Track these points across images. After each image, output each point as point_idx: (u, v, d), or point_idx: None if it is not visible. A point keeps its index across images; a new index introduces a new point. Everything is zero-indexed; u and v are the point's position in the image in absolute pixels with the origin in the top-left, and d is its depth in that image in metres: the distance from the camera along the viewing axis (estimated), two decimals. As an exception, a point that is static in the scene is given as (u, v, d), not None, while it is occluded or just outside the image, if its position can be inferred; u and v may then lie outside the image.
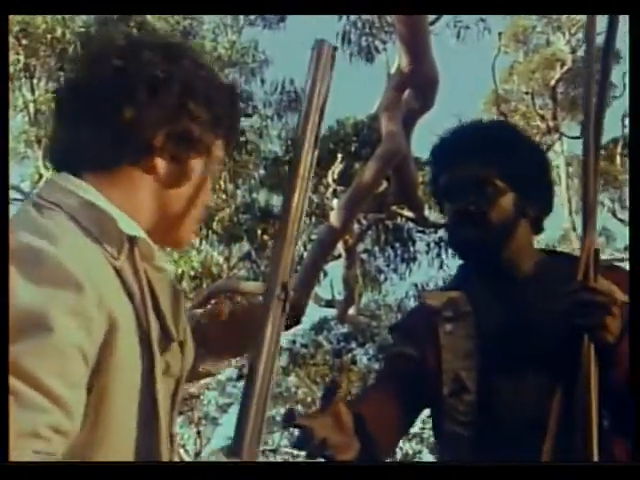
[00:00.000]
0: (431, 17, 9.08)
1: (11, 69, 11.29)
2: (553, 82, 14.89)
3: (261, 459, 1.21)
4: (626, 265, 1.80)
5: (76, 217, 1.16)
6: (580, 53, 15.36)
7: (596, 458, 1.51)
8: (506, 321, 1.77)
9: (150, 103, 1.21)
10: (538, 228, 1.89)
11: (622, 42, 1.72)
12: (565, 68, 15.02)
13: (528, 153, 1.84)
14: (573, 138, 16.63)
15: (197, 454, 17.26)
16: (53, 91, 1.35)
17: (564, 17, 15.06)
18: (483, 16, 11.64)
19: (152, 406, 1.17)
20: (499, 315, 1.79)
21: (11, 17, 10.50)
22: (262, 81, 12.24)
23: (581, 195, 1.64)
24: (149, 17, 11.77)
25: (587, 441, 1.51)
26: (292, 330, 9.51)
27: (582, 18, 15.43)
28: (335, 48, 1.32)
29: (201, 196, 1.32)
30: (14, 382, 1.00)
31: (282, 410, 21.62)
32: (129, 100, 1.20)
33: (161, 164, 1.24)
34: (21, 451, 0.98)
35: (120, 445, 1.13)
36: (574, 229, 17.11)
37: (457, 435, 1.75)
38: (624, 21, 1.64)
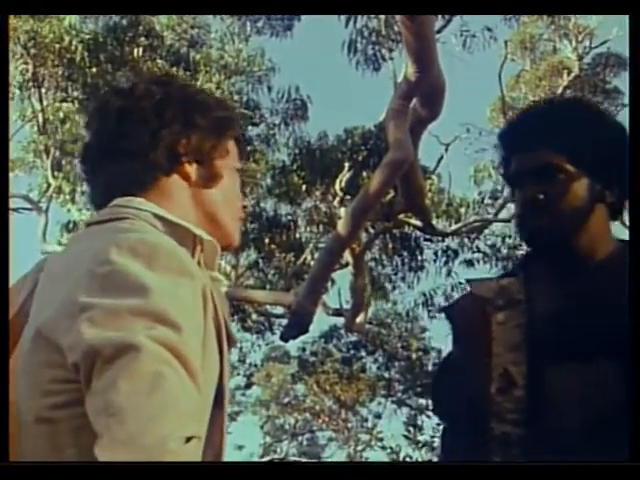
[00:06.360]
0: (437, 25, 9.09)
1: (20, 78, 11.33)
2: (560, 89, 14.89)
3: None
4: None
5: (153, 224, 1.26)
6: (587, 60, 15.36)
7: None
8: (566, 309, 1.64)
9: (163, 122, 1.35)
10: (617, 213, 1.74)
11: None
12: (572, 75, 15.00)
13: (605, 132, 1.69)
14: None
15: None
16: (83, 145, 1.48)
17: (571, 24, 15.05)
18: (489, 25, 11.64)
19: (221, 397, 1.22)
20: (556, 303, 1.66)
21: (18, 26, 10.55)
22: (269, 88, 12.22)
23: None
24: (156, 26, 11.80)
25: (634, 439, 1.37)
26: (301, 338, 9.50)
27: (589, 25, 15.43)
28: None
29: (234, 195, 1.44)
30: (174, 364, 1.05)
31: (291, 419, 21.59)
32: (145, 126, 1.33)
33: (190, 168, 1.36)
34: (182, 432, 1.02)
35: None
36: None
37: (507, 435, 1.59)
38: (624, 21, 1.60)
